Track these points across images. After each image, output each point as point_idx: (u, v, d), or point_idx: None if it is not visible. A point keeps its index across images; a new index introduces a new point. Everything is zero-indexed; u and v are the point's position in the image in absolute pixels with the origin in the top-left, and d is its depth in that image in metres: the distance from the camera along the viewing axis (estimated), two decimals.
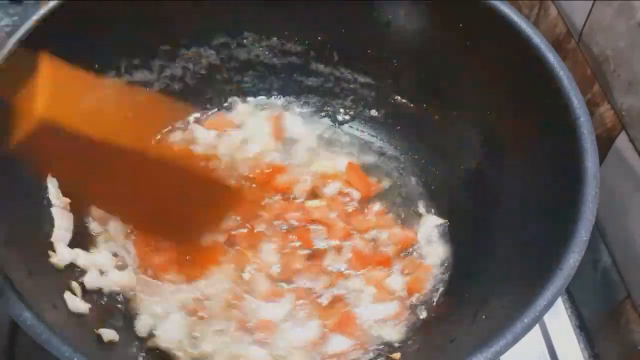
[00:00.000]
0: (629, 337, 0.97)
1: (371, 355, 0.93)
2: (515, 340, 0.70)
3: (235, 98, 1.19)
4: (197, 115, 1.16)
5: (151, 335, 0.91)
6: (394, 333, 0.95)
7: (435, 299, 0.98)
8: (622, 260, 0.99)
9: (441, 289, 0.99)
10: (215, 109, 1.18)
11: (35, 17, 0.88)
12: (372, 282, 0.99)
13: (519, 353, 0.79)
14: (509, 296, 0.81)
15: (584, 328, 1.08)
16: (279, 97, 1.21)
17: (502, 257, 0.91)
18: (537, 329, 1.03)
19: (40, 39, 0.87)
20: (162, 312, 0.93)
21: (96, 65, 0.96)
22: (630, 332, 0.97)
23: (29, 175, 0.87)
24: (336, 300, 0.98)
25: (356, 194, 1.10)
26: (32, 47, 0.79)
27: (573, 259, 0.73)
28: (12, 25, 0.89)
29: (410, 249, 1.05)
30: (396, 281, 1.00)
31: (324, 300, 0.97)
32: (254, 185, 1.08)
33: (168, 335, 0.90)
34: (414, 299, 0.99)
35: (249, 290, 0.97)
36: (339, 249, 1.03)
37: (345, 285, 0.99)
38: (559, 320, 1.06)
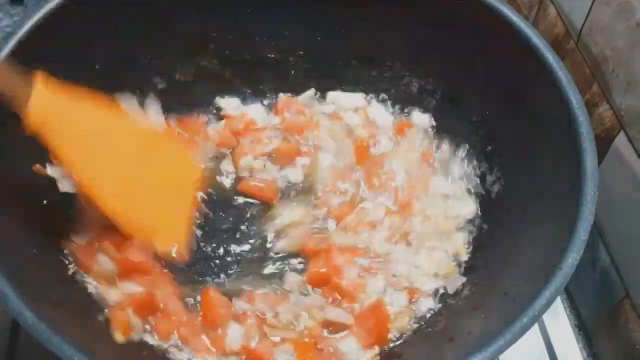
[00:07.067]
0: (628, 336, 0.97)
1: None
2: (515, 339, 0.70)
3: None
4: None
5: None
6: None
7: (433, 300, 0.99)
8: (621, 260, 0.99)
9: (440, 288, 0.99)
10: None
11: (34, 20, 0.87)
12: None
13: (518, 352, 0.80)
14: (507, 295, 0.81)
15: (583, 328, 1.08)
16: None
17: (501, 257, 0.91)
18: (536, 328, 1.03)
19: (39, 41, 0.87)
20: None
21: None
22: (629, 332, 0.97)
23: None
24: None
25: None
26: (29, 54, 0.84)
27: (572, 258, 0.73)
28: (14, 26, 0.88)
29: None
30: None
31: None
32: None
33: None
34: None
35: None
36: None
37: None
38: (558, 319, 1.06)
